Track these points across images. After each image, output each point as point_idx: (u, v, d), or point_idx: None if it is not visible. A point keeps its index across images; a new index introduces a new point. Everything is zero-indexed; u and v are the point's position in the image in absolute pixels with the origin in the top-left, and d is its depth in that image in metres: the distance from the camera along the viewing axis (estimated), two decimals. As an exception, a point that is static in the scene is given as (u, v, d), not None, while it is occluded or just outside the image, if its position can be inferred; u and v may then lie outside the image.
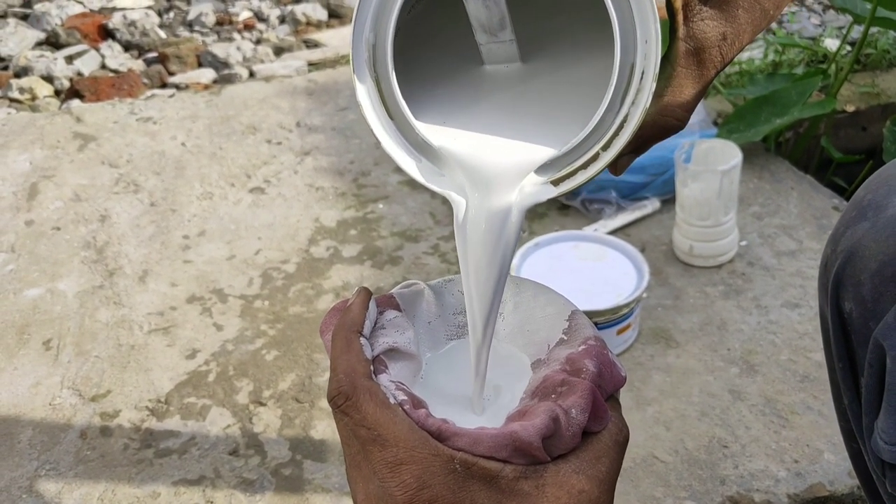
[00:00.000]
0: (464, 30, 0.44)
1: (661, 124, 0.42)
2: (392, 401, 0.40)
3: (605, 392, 0.43)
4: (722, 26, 0.41)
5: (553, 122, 0.44)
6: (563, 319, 0.46)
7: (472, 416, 0.44)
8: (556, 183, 0.41)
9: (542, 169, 0.42)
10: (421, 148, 0.43)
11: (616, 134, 0.40)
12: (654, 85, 0.39)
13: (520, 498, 0.39)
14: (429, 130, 0.42)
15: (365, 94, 0.42)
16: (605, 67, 0.40)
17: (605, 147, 0.40)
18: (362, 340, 0.43)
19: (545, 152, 0.41)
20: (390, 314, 0.46)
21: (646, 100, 0.39)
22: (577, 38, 0.46)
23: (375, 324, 0.45)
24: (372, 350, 0.43)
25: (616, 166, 0.43)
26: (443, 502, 0.38)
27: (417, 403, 0.41)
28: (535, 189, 0.42)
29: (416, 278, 1.01)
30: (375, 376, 0.42)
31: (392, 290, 0.48)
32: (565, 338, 0.45)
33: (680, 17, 0.41)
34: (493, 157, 0.42)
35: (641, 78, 0.39)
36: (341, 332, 0.43)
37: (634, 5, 0.39)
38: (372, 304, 0.45)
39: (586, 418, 0.40)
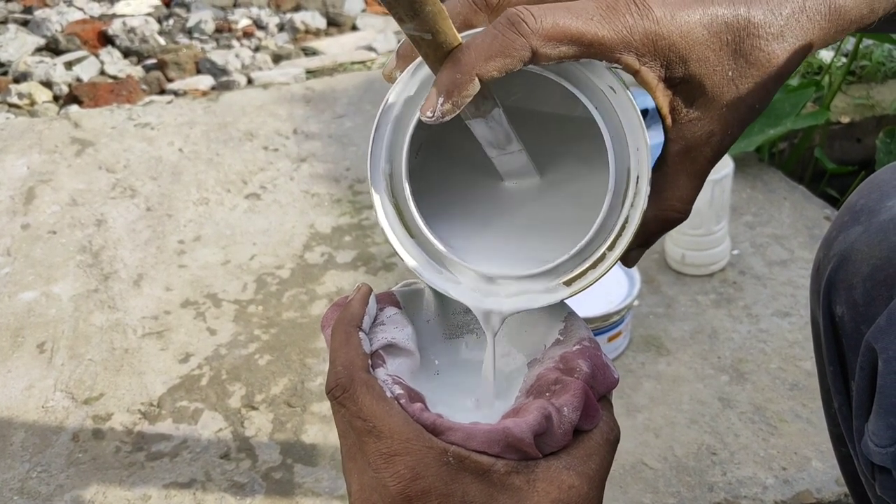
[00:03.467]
0: (478, 144, 0.48)
1: (663, 218, 0.45)
2: (388, 394, 0.41)
3: (598, 392, 0.44)
4: (708, 125, 0.43)
5: (563, 229, 0.47)
6: (559, 321, 0.47)
7: (468, 411, 0.46)
8: (568, 283, 0.45)
9: (554, 271, 0.44)
10: (440, 260, 0.46)
11: (619, 234, 0.43)
12: (649, 188, 0.42)
13: (511, 492, 0.40)
14: (446, 246, 0.46)
15: (385, 218, 0.47)
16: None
17: (611, 247, 0.43)
18: (361, 335, 0.44)
19: (553, 257, 0.44)
20: (390, 311, 0.47)
21: (643, 202, 0.42)
22: (587, 150, 0.49)
23: (375, 320, 0.46)
24: (371, 345, 0.44)
25: (627, 259, 0.46)
26: (435, 494, 0.39)
27: (414, 397, 0.43)
28: (544, 294, 0.45)
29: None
30: (373, 370, 0.43)
31: (392, 288, 0.49)
32: (561, 338, 0.46)
33: (668, 121, 0.44)
34: (502, 267, 0.46)
35: (637, 181, 0.43)
36: (341, 327, 0.44)
37: (623, 119, 0.43)
38: (372, 300, 0.46)
39: (578, 417, 0.42)
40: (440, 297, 0.49)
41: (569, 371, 0.44)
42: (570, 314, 0.47)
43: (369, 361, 0.43)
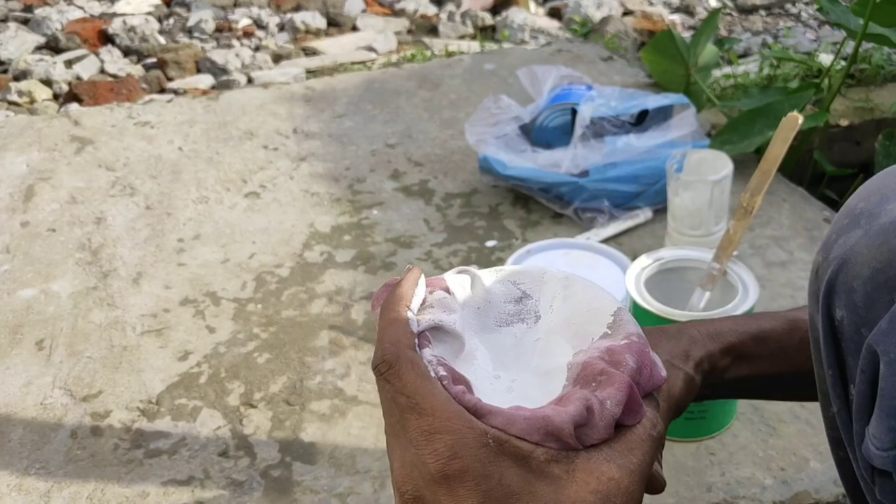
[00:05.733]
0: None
1: None
2: (432, 374, 0.42)
3: (643, 389, 0.44)
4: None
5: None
6: (609, 315, 0.48)
7: (509, 398, 0.46)
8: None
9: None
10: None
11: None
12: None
13: (549, 480, 0.40)
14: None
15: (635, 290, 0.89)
16: None
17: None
18: (409, 314, 0.45)
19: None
20: (439, 294, 0.48)
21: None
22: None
23: (424, 302, 0.47)
24: (417, 325, 0.45)
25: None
26: (472, 474, 0.39)
27: (458, 380, 0.43)
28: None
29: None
30: (419, 350, 0.44)
31: (443, 274, 0.50)
32: (609, 332, 0.47)
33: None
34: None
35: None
36: (390, 305, 0.45)
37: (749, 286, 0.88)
38: (421, 282, 0.47)
39: (620, 411, 0.42)
40: (491, 285, 0.50)
41: (615, 364, 0.44)
42: (620, 309, 0.48)
43: (416, 340, 0.44)
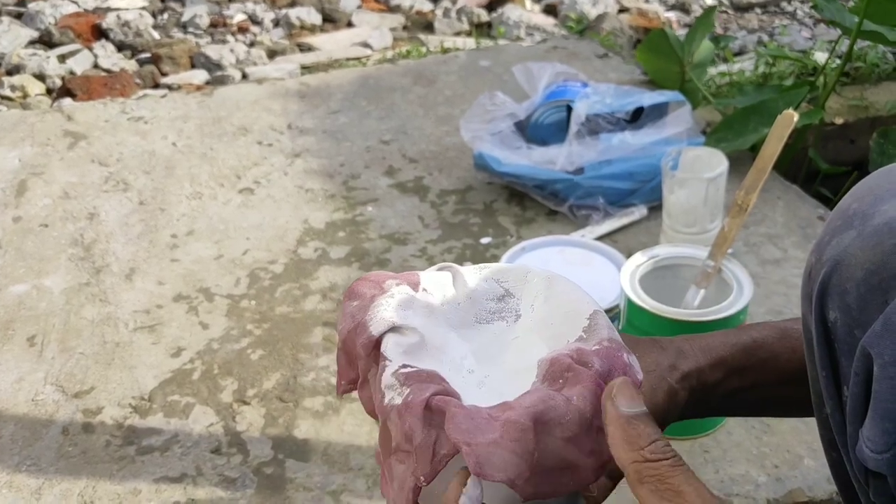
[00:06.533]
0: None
1: None
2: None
3: None
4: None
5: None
6: (585, 318, 0.47)
7: (479, 392, 0.46)
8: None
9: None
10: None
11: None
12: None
13: None
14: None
15: (631, 289, 0.89)
16: None
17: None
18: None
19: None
20: (404, 288, 0.48)
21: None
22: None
23: (386, 292, 0.48)
24: (370, 331, 0.45)
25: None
26: None
27: (426, 378, 0.43)
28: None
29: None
30: (381, 372, 0.44)
31: (423, 271, 0.50)
32: (584, 335, 0.47)
33: None
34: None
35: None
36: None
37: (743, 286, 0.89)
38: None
39: (588, 406, 0.42)
40: (473, 282, 0.50)
41: (582, 363, 0.44)
42: (596, 312, 0.48)
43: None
